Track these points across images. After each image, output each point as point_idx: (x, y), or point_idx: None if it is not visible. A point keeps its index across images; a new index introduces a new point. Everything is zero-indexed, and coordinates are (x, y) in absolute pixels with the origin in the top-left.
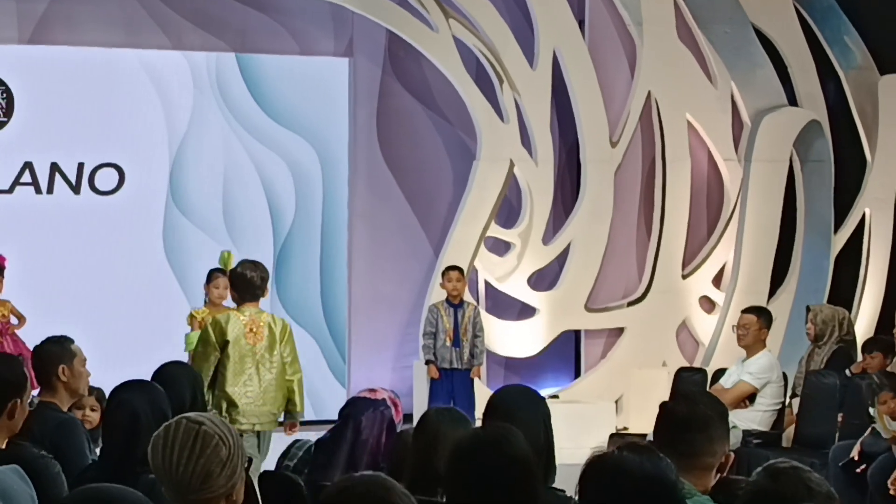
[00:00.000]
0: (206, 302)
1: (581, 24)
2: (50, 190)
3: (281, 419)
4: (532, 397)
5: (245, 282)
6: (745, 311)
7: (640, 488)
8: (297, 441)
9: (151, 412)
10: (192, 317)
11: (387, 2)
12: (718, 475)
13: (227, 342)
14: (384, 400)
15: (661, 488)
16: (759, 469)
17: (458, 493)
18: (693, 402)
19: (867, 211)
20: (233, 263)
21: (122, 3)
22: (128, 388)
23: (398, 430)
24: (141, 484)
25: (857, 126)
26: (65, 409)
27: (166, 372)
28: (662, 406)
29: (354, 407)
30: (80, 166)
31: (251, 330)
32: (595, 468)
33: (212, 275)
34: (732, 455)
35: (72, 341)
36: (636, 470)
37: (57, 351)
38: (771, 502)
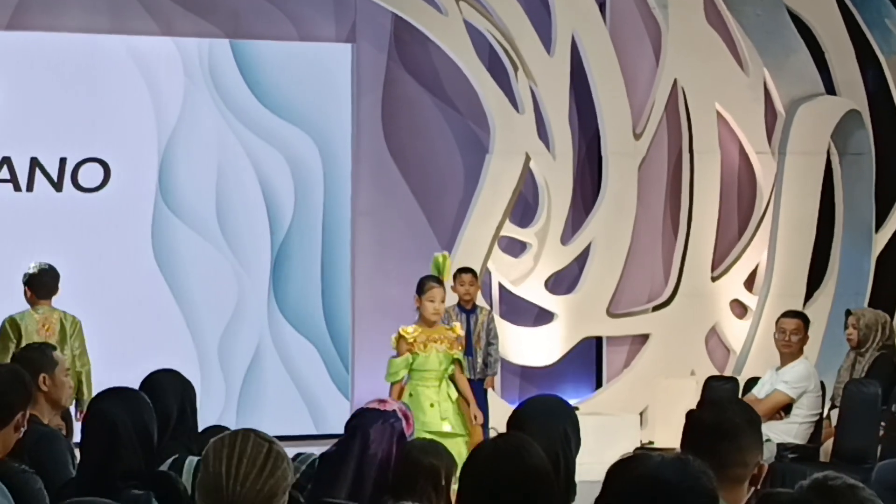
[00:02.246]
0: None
1: (602, 6)
2: (30, 187)
3: None
4: (552, 408)
5: (39, 282)
6: (788, 315)
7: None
8: (299, 454)
9: (132, 424)
10: (399, 338)
11: None
12: (752, 489)
13: (21, 338)
14: (394, 412)
15: (692, 500)
16: (806, 483)
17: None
18: (721, 409)
19: None
20: (450, 269)
21: None
22: (107, 398)
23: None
24: (123, 500)
25: None
26: (46, 422)
27: (153, 381)
28: (689, 414)
29: (362, 419)
30: (63, 161)
31: (43, 326)
32: (620, 476)
33: (425, 285)
34: (766, 466)
35: (53, 348)
36: (667, 479)
37: (37, 358)
38: None
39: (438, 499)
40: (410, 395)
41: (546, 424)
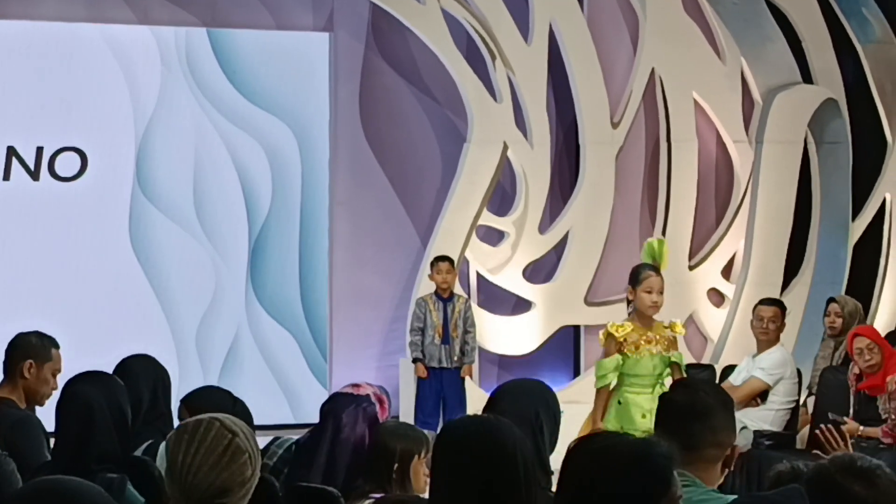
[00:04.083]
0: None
1: None
2: (6, 176)
3: None
4: (526, 391)
5: None
6: (765, 302)
7: (622, 472)
8: (276, 439)
9: (108, 406)
10: (608, 336)
11: None
12: (726, 470)
13: None
14: (368, 396)
15: (644, 471)
16: (837, 466)
17: (440, 483)
18: (693, 391)
19: (888, 196)
20: (667, 254)
21: None
22: (82, 380)
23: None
24: (98, 483)
25: (876, 105)
26: (21, 407)
27: (126, 366)
28: (662, 396)
29: (334, 403)
30: (39, 151)
31: None
32: (582, 453)
33: (640, 273)
34: (738, 448)
35: (56, 346)
36: (623, 448)
37: (34, 345)
38: None
39: (414, 481)
40: (619, 402)
41: (517, 406)
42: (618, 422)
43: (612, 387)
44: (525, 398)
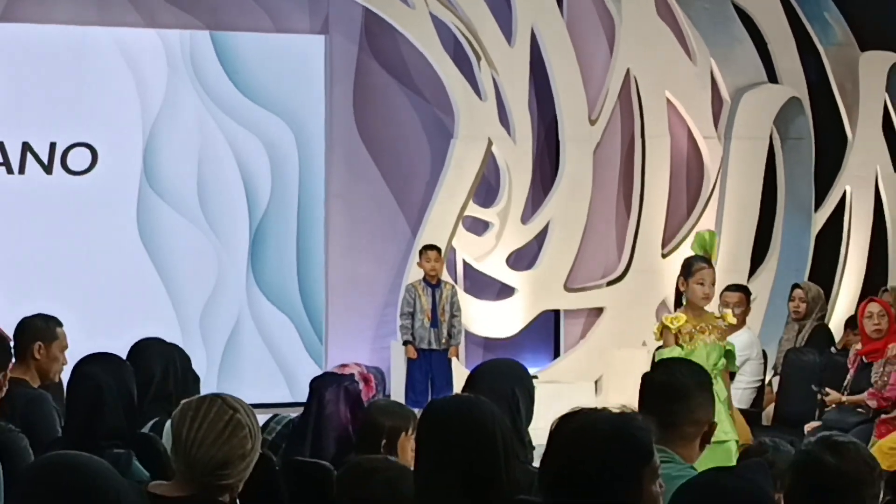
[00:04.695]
0: (682, 303)
1: (559, 0)
2: (21, 170)
3: None
4: (502, 370)
5: None
6: (731, 288)
7: (604, 446)
8: (275, 416)
9: (115, 386)
10: (664, 328)
11: None
12: (706, 445)
13: None
14: (352, 375)
15: (625, 444)
16: (810, 440)
17: (425, 457)
18: (671, 371)
19: (848, 189)
20: (717, 246)
21: None
22: (91, 362)
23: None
24: (106, 458)
25: (837, 103)
26: (35, 387)
27: (141, 346)
28: (643, 376)
29: (319, 382)
30: (53, 146)
31: None
32: (565, 428)
33: (692, 266)
34: (717, 425)
35: (59, 324)
36: (605, 430)
37: (40, 327)
38: (829, 476)
39: (401, 456)
40: None
41: (494, 384)
42: None
43: None
44: (501, 377)
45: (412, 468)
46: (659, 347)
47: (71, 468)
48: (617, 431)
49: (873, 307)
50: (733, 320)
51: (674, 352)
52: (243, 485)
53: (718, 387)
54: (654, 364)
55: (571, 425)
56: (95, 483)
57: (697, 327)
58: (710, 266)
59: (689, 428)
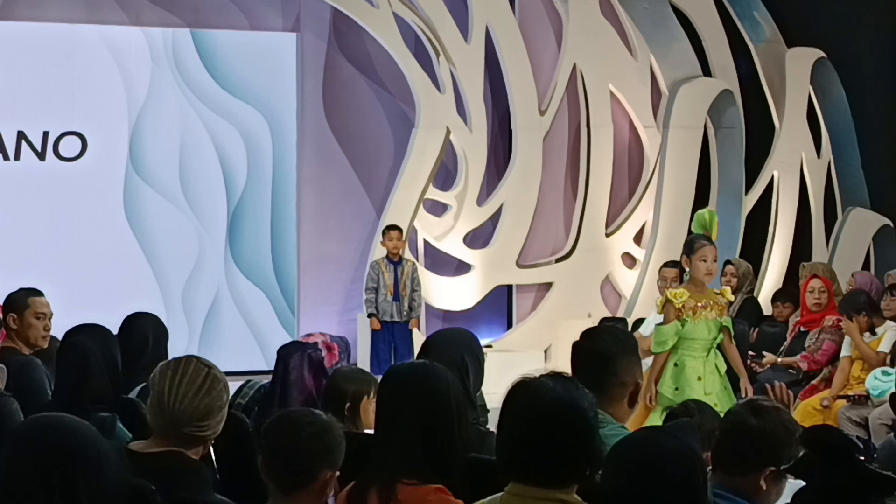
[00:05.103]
0: (685, 279)
1: (512, 1)
2: (17, 156)
3: None
4: (452, 338)
5: None
6: (668, 265)
7: (550, 413)
8: (249, 381)
9: (101, 354)
10: (667, 302)
11: None
12: (635, 405)
13: None
14: (315, 343)
15: (570, 412)
16: (741, 402)
17: (384, 418)
18: (596, 339)
19: (775, 173)
20: (717, 225)
21: None
22: (79, 332)
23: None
24: (92, 421)
25: (766, 95)
26: (25, 354)
27: (136, 318)
28: (573, 344)
29: (285, 350)
30: (45, 134)
31: None
32: (514, 392)
33: (695, 244)
34: (642, 384)
35: (37, 294)
36: (548, 395)
37: (11, 300)
38: (750, 435)
39: (363, 418)
40: (675, 364)
41: (446, 351)
42: (674, 383)
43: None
44: (452, 345)
45: (373, 429)
46: (659, 323)
47: (55, 429)
48: (558, 398)
49: (815, 283)
50: (732, 297)
51: (673, 328)
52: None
53: (719, 361)
54: (583, 333)
55: (520, 390)
56: (77, 442)
57: (700, 302)
58: (712, 244)
59: (616, 389)
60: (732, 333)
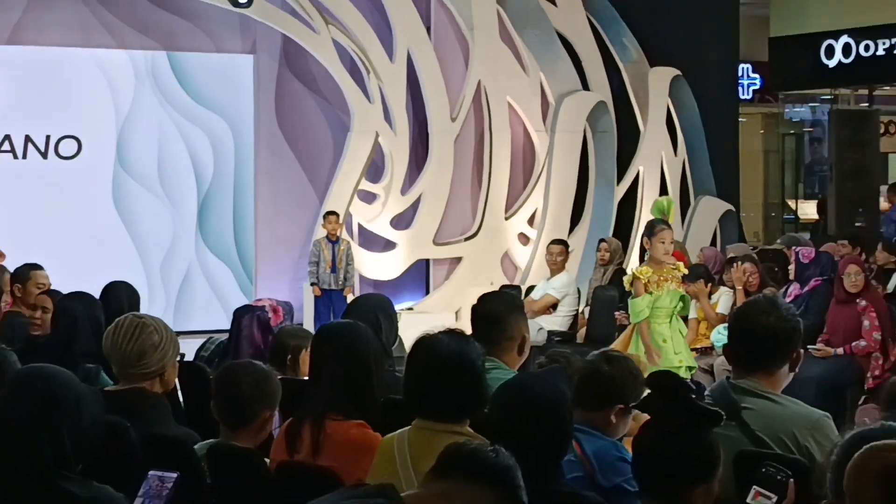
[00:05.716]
0: (645, 259)
1: (428, 29)
2: (24, 155)
3: None
4: (367, 301)
5: None
6: (554, 242)
7: (445, 362)
8: (210, 337)
9: (87, 316)
10: (634, 278)
11: (280, 11)
12: (523, 354)
13: None
14: (263, 307)
15: (461, 361)
16: (597, 353)
17: (315, 368)
18: (486, 301)
19: (641, 169)
20: (674, 210)
21: (78, 12)
22: (70, 298)
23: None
24: (79, 371)
25: (633, 105)
26: (27, 316)
27: (113, 286)
28: (472, 308)
29: (238, 311)
30: (48, 138)
31: None
32: (417, 346)
33: (655, 227)
34: (528, 338)
35: (38, 268)
36: (443, 347)
37: (19, 273)
38: (603, 380)
39: (302, 367)
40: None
41: (364, 312)
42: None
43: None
44: (369, 306)
45: (307, 376)
46: (631, 296)
47: (41, 377)
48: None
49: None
50: (685, 270)
51: (646, 300)
52: (187, 390)
53: (681, 325)
54: (479, 298)
55: (421, 346)
56: (60, 387)
57: (661, 277)
58: (669, 227)
59: (505, 342)
60: (687, 301)
